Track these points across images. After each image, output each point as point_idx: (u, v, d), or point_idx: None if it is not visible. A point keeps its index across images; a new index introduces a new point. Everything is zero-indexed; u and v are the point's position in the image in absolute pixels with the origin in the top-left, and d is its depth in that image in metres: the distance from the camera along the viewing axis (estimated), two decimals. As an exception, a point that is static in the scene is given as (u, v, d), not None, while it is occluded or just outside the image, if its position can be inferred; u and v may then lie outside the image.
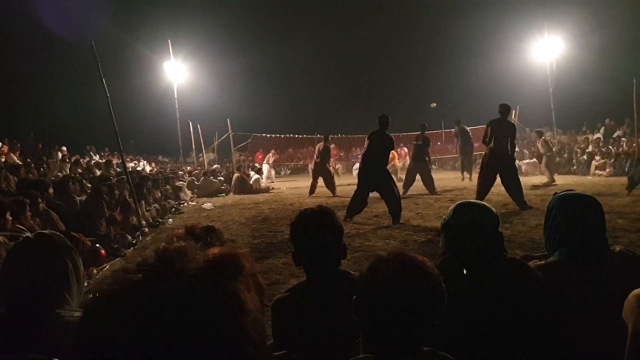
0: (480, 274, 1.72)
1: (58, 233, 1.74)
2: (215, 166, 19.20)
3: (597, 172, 15.39)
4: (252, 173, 16.20)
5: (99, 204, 6.63)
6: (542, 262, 1.95)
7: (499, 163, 8.18)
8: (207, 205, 11.38)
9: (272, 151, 20.66)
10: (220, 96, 28.14)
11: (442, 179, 14.76)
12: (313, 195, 12.32)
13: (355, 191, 7.71)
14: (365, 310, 1.23)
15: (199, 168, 19.14)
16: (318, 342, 1.63)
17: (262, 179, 16.48)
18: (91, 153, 18.49)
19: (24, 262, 1.54)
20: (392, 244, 5.97)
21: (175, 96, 22.13)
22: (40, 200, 5.85)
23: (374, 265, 1.24)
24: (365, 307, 1.22)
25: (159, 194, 11.18)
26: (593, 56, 22.63)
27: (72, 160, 14.38)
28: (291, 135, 24.43)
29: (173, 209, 10.79)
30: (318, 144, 13.25)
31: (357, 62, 36.69)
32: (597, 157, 16.21)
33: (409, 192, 11.66)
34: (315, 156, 13.03)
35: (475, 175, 12.71)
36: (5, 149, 13.21)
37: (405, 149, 18.78)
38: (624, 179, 10.55)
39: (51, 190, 6.65)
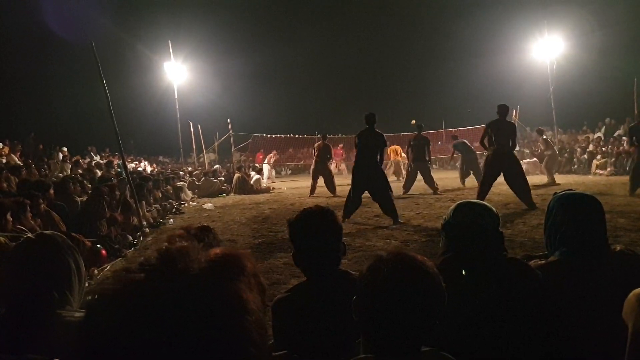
0: (481, 273, 1.72)
1: (59, 234, 1.74)
2: (216, 166, 19.19)
3: (598, 171, 15.39)
4: (252, 173, 16.20)
5: (99, 205, 6.64)
6: (543, 261, 1.95)
7: (500, 163, 8.19)
8: (208, 205, 11.39)
9: (273, 152, 20.67)
10: (221, 96, 28.19)
11: (443, 178, 14.75)
12: (313, 195, 12.33)
13: (349, 191, 7.73)
14: (365, 310, 1.23)
15: (199, 168, 19.15)
16: (318, 342, 1.63)
17: (262, 179, 16.49)
18: (92, 154, 18.50)
19: (25, 262, 1.55)
20: (393, 243, 5.97)
21: (176, 96, 22.13)
22: (41, 200, 5.86)
23: (374, 265, 1.25)
24: (365, 307, 1.23)
25: (160, 195, 11.19)
26: (593, 55, 22.63)
27: (73, 161, 14.39)
28: (292, 135, 24.44)
29: (174, 210, 10.79)
30: (317, 143, 13.24)
31: (358, 62, 36.71)
32: (598, 157, 16.20)
33: (410, 192, 11.66)
34: (315, 155, 13.03)
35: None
36: (6, 149, 13.23)
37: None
38: (625, 178, 10.54)
39: (52, 191, 6.66)
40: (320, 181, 12.59)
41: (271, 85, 32.50)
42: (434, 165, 16.45)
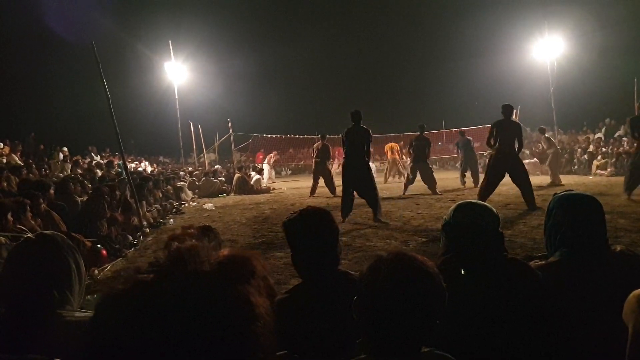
0: (481, 274, 1.72)
1: (59, 234, 1.74)
2: (216, 166, 19.20)
3: (598, 171, 15.38)
4: (253, 173, 16.21)
5: (100, 205, 6.64)
6: (543, 262, 1.95)
7: (504, 163, 8.16)
8: (208, 205, 11.39)
9: (273, 152, 20.66)
10: (221, 96, 28.21)
11: (443, 179, 14.74)
12: (314, 195, 12.32)
13: (342, 191, 7.80)
14: (365, 311, 1.23)
15: (200, 168, 19.15)
16: (319, 343, 1.63)
17: (263, 179, 16.48)
18: (92, 154, 18.51)
19: (26, 262, 1.54)
20: (393, 244, 5.96)
21: (176, 96, 22.14)
22: (41, 200, 5.86)
23: (374, 265, 1.25)
24: (366, 307, 1.23)
25: (160, 195, 11.18)
26: (594, 56, 22.65)
27: (73, 161, 14.40)
28: (292, 135, 24.43)
29: (174, 210, 10.79)
30: (316, 144, 13.24)
31: (358, 63, 36.76)
32: (599, 157, 16.19)
33: (408, 192, 11.65)
34: (314, 155, 13.02)
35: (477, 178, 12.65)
36: (7, 149, 13.24)
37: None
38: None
39: (52, 191, 6.66)
40: (321, 181, 12.59)
41: (272, 85, 32.56)
42: (434, 166, 16.39)
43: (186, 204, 12.19)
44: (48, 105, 25.89)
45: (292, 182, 19.78)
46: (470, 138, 14.74)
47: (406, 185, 11.98)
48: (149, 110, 26.69)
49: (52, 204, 6.32)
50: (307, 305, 1.72)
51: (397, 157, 16.31)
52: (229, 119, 19.70)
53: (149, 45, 25.04)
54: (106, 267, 5.46)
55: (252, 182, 15.05)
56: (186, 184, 14.17)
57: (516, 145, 8.24)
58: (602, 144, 17.89)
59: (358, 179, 7.52)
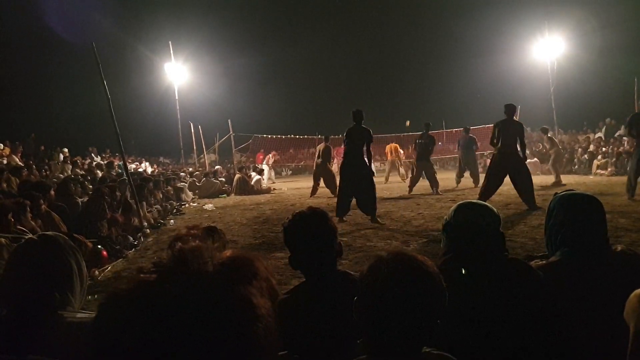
0: (482, 274, 1.72)
1: (61, 234, 1.74)
2: (216, 167, 19.21)
3: (598, 171, 15.39)
4: (253, 174, 16.21)
5: (100, 205, 6.64)
6: (544, 262, 1.95)
7: (506, 164, 8.14)
8: (209, 206, 11.39)
9: (273, 152, 20.66)
10: (221, 97, 28.21)
11: (444, 178, 14.73)
12: (314, 196, 12.32)
13: (339, 189, 7.79)
14: (365, 311, 1.23)
15: (200, 169, 19.16)
16: (319, 343, 1.63)
17: (263, 179, 16.48)
18: (93, 154, 18.52)
19: (28, 263, 1.55)
20: (393, 244, 5.96)
21: (176, 97, 22.17)
22: (41, 201, 5.86)
23: (374, 265, 1.25)
24: (366, 308, 1.22)
25: (161, 195, 11.19)
26: (594, 56, 22.65)
27: (73, 162, 14.41)
28: (292, 135, 24.43)
29: (174, 210, 10.79)
30: (319, 145, 13.22)
31: (358, 63, 36.78)
32: (599, 157, 16.19)
33: (413, 192, 11.65)
34: (316, 156, 13.03)
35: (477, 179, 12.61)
36: (7, 150, 13.25)
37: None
38: (625, 178, 10.50)
39: (53, 192, 6.66)
40: (322, 182, 12.58)
41: (272, 86, 32.57)
42: (435, 166, 16.34)
43: (186, 205, 12.19)
44: (48, 106, 25.92)
45: (292, 182, 19.77)
46: (474, 137, 14.06)
47: (412, 183, 11.94)
48: (149, 111, 26.74)
49: (52, 205, 6.32)
50: (307, 305, 1.72)
51: (397, 157, 16.31)
52: (229, 120, 19.73)
53: (149, 45, 25.10)
54: (107, 268, 5.46)
55: (252, 183, 15.05)
56: (186, 185, 14.17)
57: (518, 145, 8.22)
58: (602, 143, 17.90)
59: (357, 178, 7.51)
